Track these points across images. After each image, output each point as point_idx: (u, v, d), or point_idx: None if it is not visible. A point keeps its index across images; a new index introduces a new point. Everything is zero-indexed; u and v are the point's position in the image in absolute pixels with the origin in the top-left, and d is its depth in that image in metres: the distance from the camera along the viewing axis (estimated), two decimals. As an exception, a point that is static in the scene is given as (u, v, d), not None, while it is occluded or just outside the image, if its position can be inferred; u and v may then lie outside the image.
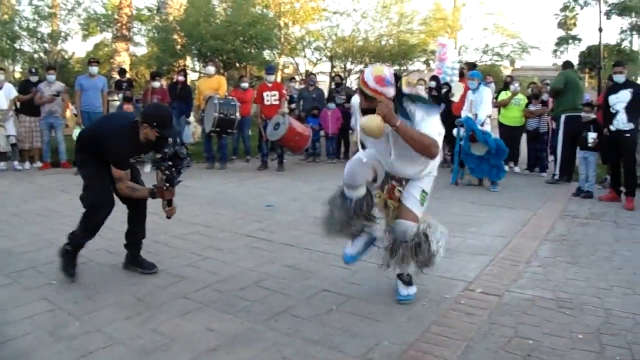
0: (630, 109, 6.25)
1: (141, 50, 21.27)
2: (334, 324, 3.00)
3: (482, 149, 7.23)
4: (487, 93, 7.49)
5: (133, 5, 17.68)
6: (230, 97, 8.93)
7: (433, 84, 10.56)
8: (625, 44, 30.20)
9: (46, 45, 16.32)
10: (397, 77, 2.88)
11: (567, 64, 8.71)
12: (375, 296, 3.39)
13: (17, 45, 15.87)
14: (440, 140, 2.91)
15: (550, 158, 9.12)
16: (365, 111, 2.93)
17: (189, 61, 16.70)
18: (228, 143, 9.71)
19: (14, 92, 8.79)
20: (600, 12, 13.63)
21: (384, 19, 19.51)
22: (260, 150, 9.46)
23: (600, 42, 13.66)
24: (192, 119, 10.06)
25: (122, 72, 11.06)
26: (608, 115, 6.54)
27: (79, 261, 3.70)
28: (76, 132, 8.44)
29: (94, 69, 8.87)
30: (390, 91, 2.83)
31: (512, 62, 25.64)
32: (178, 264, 4.00)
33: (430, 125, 2.87)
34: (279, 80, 13.85)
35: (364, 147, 3.29)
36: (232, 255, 4.25)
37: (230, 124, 8.48)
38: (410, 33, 19.59)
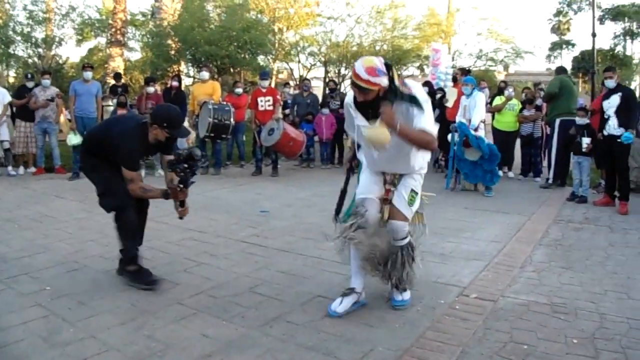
0: (620, 112, 6.31)
1: (135, 56, 21.29)
2: (328, 329, 2.99)
3: (475, 154, 7.25)
4: (480, 98, 7.52)
5: (127, 11, 17.73)
6: (225, 103, 8.90)
7: (426, 89, 10.57)
8: (619, 48, 30.54)
9: (40, 50, 16.29)
10: (389, 66, 2.85)
11: (561, 69, 8.77)
12: (370, 302, 3.38)
13: (11, 50, 15.83)
14: (436, 130, 2.96)
15: (544, 163, 9.16)
16: (362, 105, 2.94)
17: (183, 66, 16.72)
18: (222, 148, 9.68)
19: (7, 97, 8.76)
20: (593, 17, 13.70)
21: (378, 24, 19.62)
22: (254, 156, 9.43)
23: (593, 47, 13.78)
24: (186, 124, 10.03)
25: (117, 76, 11.04)
26: (603, 120, 6.60)
27: (72, 267, 3.69)
28: (70, 138, 8.39)
29: (88, 74, 8.84)
30: (384, 80, 2.81)
31: (506, 67, 25.84)
32: (173, 269, 3.99)
33: (426, 118, 2.89)
34: (273, 85, 13.85)
35: (359, 147, 3.31)
36: (226, 261, 4.24)
37: (225, 130, 8.46)
38: (404, 38, 19.69)
